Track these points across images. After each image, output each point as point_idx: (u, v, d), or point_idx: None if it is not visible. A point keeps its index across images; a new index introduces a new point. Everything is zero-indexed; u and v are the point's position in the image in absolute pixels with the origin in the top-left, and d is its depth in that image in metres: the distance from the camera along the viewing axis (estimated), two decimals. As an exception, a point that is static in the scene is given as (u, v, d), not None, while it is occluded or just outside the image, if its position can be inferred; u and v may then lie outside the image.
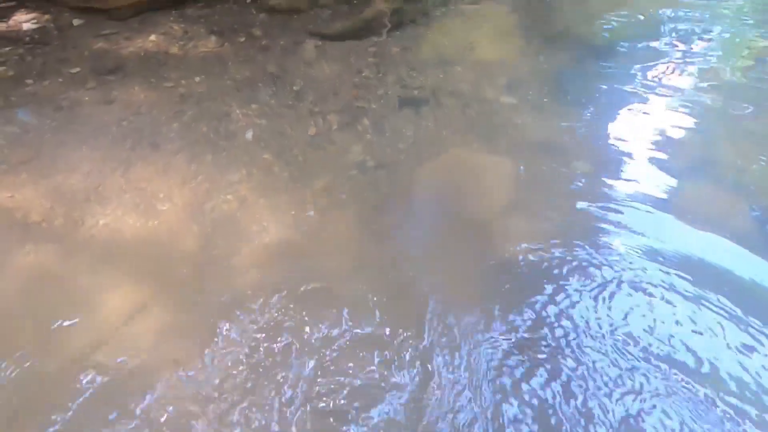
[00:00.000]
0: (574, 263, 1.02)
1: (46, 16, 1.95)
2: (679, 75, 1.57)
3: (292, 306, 0.74)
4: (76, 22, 1.89)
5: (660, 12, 1.92)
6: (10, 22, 1.94)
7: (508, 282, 0.99)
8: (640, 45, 1.73)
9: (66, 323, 0.93)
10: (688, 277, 0.98)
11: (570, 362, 0.87)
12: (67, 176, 1.27)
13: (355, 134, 1.41)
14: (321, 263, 1.05)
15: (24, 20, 1.94)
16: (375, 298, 0.97)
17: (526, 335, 0.89)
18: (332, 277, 1.01)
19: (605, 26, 1.92)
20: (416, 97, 1.55)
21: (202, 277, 1.03)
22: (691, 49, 1.70)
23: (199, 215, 1.17)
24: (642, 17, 1.90)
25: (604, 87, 1.55)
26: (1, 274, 1.02)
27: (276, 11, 2.04)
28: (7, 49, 1.74)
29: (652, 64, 1.63)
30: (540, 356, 0.87)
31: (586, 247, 1.06)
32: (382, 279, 1.02)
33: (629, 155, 1.29)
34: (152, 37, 1.84)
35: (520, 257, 1.04)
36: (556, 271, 1.00)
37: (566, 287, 0.98)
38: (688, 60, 1.65)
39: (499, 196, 1.23)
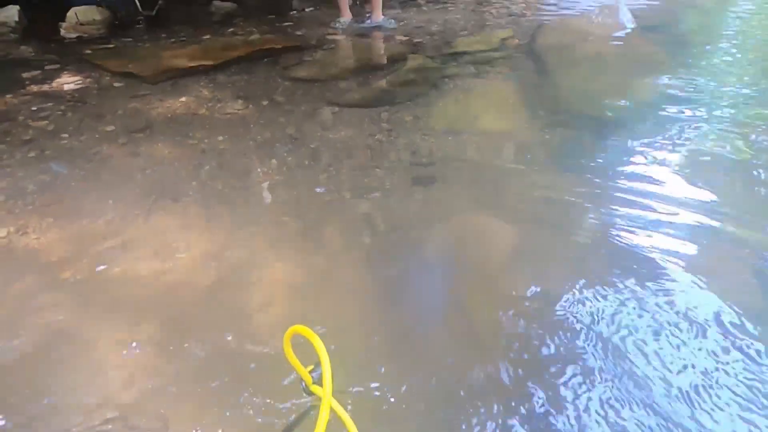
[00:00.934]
0: (577, 328, 1.02)
1: (88, 79, 2.13)
2: (683, 150, 1.65)
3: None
4: (115, 84, 2.07)
5: (663, 95, 2.05)
6: (54, 84, 2.12)
7: (511, 340, 0.99)
8: (642, 123, 1.83)
9: (70, 378, 0.93)
10: (698, 343, 0.97)
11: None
12: (91, 222, 1.32)
13: (367, 195, 1.46)
14: (326, 316, 1.05)
15: (67, 82, 2.12)
16: (377, 350, 0.96)
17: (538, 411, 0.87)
18: (335, 330, 1.01)
19: (608, 104, 2.05)
20: (426, 162, 1.63)
21: (211, 322, 1.04)
22: (694, 126, 1.79)
23: (212, 264, 1.20)
24: (645, 100, 2.02)
25: (609, 158, 1.62)
26: (17, 316, 1.03)
27: (299, 80, 2.22)
28: (50, 104, 1.89)
29: (655, 139, 1.71)
30: None
31: (588, 315, 1.06)
32: (385, 332, 1.01)
33: (635, 226, 1.32)
34: (182, 99, 1.99)
35: (521, 319, 1.04)
36: (557, 339, 1.00)
37: (569, 355, 0.97)
38: (691, 136, 1.73)
39: (504, 259, 1.25)
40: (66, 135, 1.70)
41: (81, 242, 1.24)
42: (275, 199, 1.43)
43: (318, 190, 1.45)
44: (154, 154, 1.62)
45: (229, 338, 0.98)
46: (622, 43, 2.84)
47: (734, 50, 2.72)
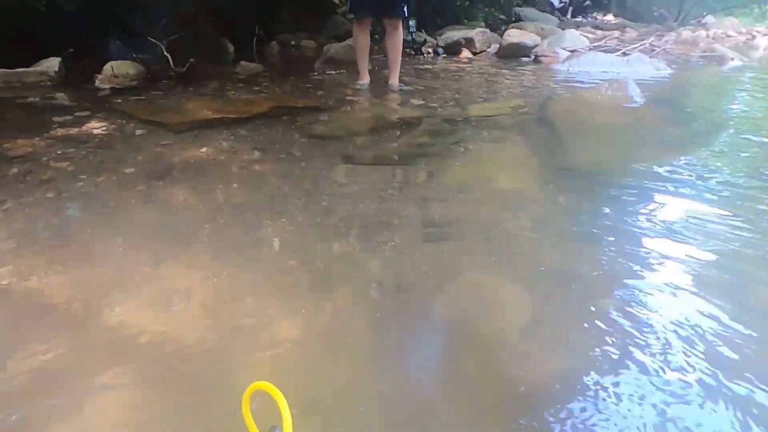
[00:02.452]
0: (589, 402, 0.94)
1: (114, 126, 2.22)
2: (698, 214, 1.62)
3: (293, 413, 0.69)
4: (139, 131, 2.15)
5: (670, 167, 2.06)
6: (81, 128, 2.21)
7: (519, 416, 0.91)
8: (651, 192, 1.83)
9: (50, 421, 0.87)
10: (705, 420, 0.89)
11: None
12: (97, 266, 1.30)
13: (377, 251, 1.44)
14: (328, 376, 0.99)
15: (94, 127, 2.21)
16: (367, 420, 0.89)
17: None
18: (336, 391, 0.95)
19: (618, 172, 2.06)
20: (438, 222, 1.62)
21: (206, 379, 0.98)
22: (709, 192, 1.78)
23: (216, 315, 1.16)
24: (652, 170, 2.03)
25: (620, 225, 1.60)
26: (10, 358, 0.99)
27: (316, 137, 2.28)
28: (74, 148, 1.95)
29: (666, 203, 1.69)
30: None
31: (599, 385, 0.98)
32: (387, 398, 0.95)
33: (648, 292, 1.27)
34: (203, 149, 2.05)
35: (533, 391, 0.96)
36: (566, 413, 0.92)
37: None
38: (706, 200, 1.71)
39: (515, 325, 1.20)
40: (84, 177, 1.73)
41: (83, 287, 1.21)
42: (284, 251, 1.41)
43: (328, 244, 1.43)
44: (170, 201, 1.63)
45: (218, 395, 0.92)
46: (631, 115, 2.92)
47: (740, 127, 2.77)
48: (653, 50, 5.93)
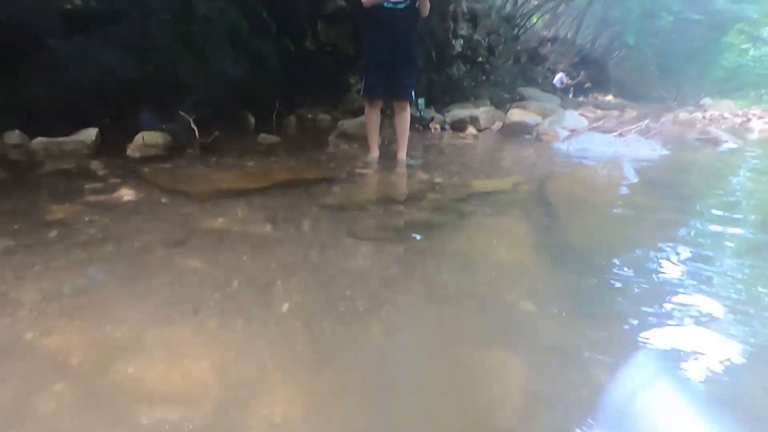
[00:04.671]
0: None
1: (142, 194, 2.40)
2: (698, 296, 1.67)
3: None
4: (164, 200, 2.32)
5: (664, 248, 2.14)
6: (112, 195, 2.40)
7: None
8: (646, 273, 1.89)
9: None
10: None
11: None
12: (114, 327, 1.38)
13: (380, 320, 1.51)
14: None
15: (123, 195, 2.39)
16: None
17: None
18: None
19: (612, 251, 2.14)
20: (438, 294, 1.69)
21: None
22: (703, 274, 1.84)
23: (221, 378, 1.21)
24: (647, 251, 2.11)
25: (616, 301, 1.65)
26: (15, 411, 1.05)
27: (326, 208, 2.44)
28: (103, 215, 2.12)
29: (662, 283, 1.75)
30: None
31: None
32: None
33: (645, 370, 1.30)
34: (220, 219, 2.20)
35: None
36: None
37: None
38: (698, 282, 1.76)
39: (512, 401, 1.23)
40: (111, 243, 1.87)
41: (100, 347, 1.29)
42: (290, 321, 1.49)
43: (331, 316, 1.51)
44: (185, 268, 1.74)
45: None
46: (625, 195, 3.05)
47: (735, 211, 2.87)
48: (649, 131, 6.24)
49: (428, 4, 3.33)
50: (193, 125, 4.14)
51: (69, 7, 3.82)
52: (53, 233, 1.91)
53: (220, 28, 4.83)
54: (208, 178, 2.80)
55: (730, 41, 21.73)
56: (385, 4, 3.28)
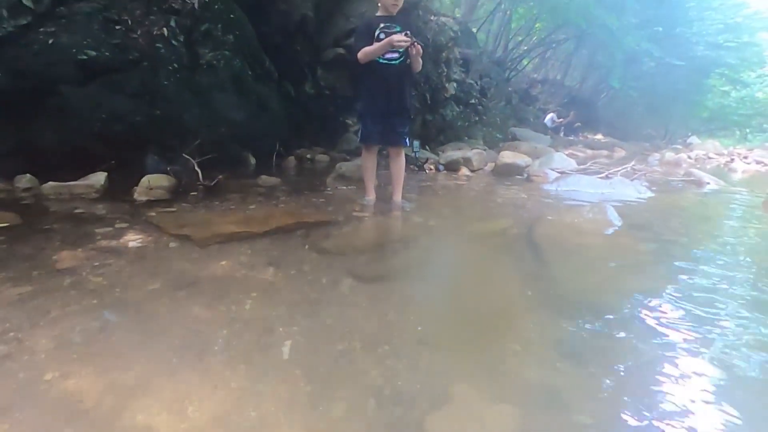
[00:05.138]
0: None
1: (150, 238, 2.52)
2: (690, 341, 1.76)
3: None
4: (171, 245, 2.44)
5: (648, 292, 2.25)
6: (120, 241, 2.51)
7: None
8: (634, 319, 1.99)
9: None
10: None
11: None
12: (124, 372, 1.47)
13: (377, 361, 1.60)
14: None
15: (131, 240, 2.51)
16: None
17: None
18: None
19: (599, 296, 2.25)
20: (433, 336, 1.79)
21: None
22: (701, 319, 1.94)
23: (224, 424, 1.30)
24: (633, 296, 2.22)
25: (614, 351, 1.74)
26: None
27: (324, 252, 2.56)
28: (112, 260, 2.23)
29: (658, 330, 1.85)
30: None
31: None
32: None
33: (635, 416, 1.38)
34: (222, 263, 2.31)
35: None
36: None
37: None
38: (698, 331, 1.86)
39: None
40: (119, 290, 1.97)
41: (109, 391, 1.38)
42: (291, 363, 1.58)
43: (330, 358, 1.60)
44: (190, 313, 1.84)
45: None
46: (609, 239, 3.20)
47: (722, 256, 3.01)
48: (635, 173, 6.50)
49: (420, 61, 3.57)
50: (196, 168, 4.31)
51: (84, 57, 4.06)
52: (66, 281, 2.01)
53: (226, 75, 5.10)
54: (212, 222, 2.92)
55: (712, 83, 22.73)
56: (380, 59, 3.53)
